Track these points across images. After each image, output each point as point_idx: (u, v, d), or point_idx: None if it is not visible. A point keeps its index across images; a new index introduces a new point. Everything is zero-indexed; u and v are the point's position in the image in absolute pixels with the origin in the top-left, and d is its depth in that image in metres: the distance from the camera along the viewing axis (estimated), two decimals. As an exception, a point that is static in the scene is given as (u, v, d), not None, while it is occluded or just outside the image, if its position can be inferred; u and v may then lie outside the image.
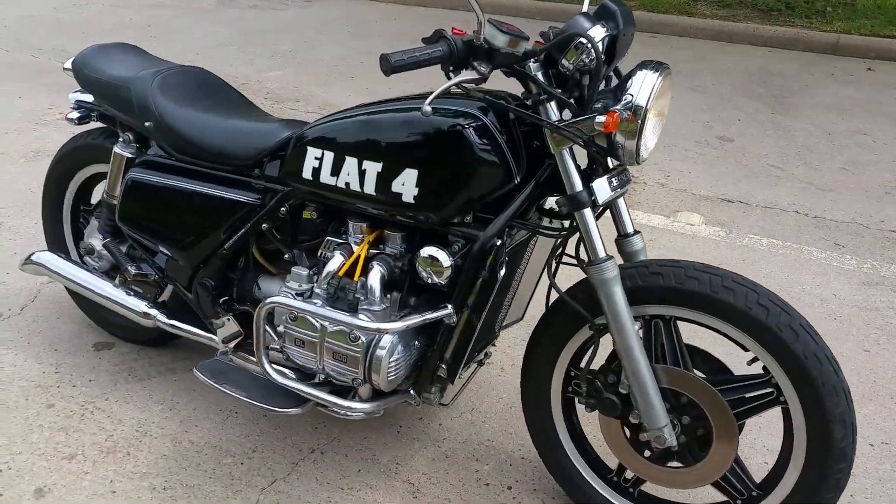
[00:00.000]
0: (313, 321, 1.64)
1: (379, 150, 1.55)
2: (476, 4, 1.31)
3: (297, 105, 4.68)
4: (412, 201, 1.52)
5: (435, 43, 1.35)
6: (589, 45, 1.37)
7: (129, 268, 2.04)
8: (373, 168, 1.54)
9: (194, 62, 2.24)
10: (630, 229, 1.62)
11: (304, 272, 1.72)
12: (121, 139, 2.06)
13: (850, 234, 3.32)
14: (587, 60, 1.39)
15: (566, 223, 1.61)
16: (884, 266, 3.06)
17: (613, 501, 1.69)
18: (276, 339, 1.74)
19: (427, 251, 1.54)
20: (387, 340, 1.58)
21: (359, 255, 1.64)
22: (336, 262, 1.65)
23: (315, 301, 1.67)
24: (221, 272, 1.90)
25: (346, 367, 1.63)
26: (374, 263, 1.63)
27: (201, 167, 1.87)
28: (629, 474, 1.68)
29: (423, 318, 1.55)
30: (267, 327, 1.72)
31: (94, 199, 2.36)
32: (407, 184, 1.51)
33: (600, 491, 1.70)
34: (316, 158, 1.62)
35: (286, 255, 1.82)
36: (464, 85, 1.42)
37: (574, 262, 1.56)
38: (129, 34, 6.11)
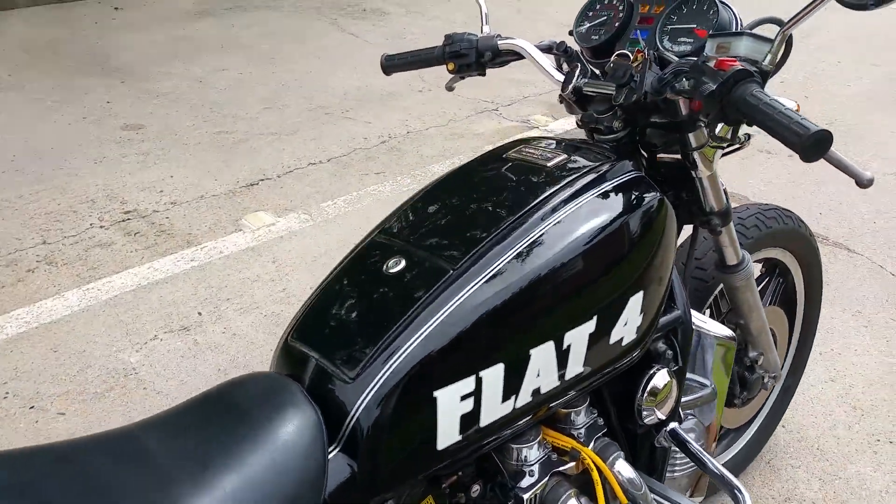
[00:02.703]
0: None
1: (584, 301, 1.05)
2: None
3: None
4: (634, 336, 1.12)
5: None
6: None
7: None
8: (581, 335, 1.04)
9: None
10: None
11: None
12: None
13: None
14: None
15: None
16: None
17: None
18: None
19: (649, 388, 1.22)
20: None
21: (602, 477, 1.17)
22: None
23: None
24: None
25: None
26: (616, 466, 1.20)
27: None
28: None
29: None
30: None
31: None
32: (630, 319, 1.10)
33: None
34: (465, 396, 0.96)
35: None
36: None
37: None
38: None
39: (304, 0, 6.83)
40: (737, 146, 1.29)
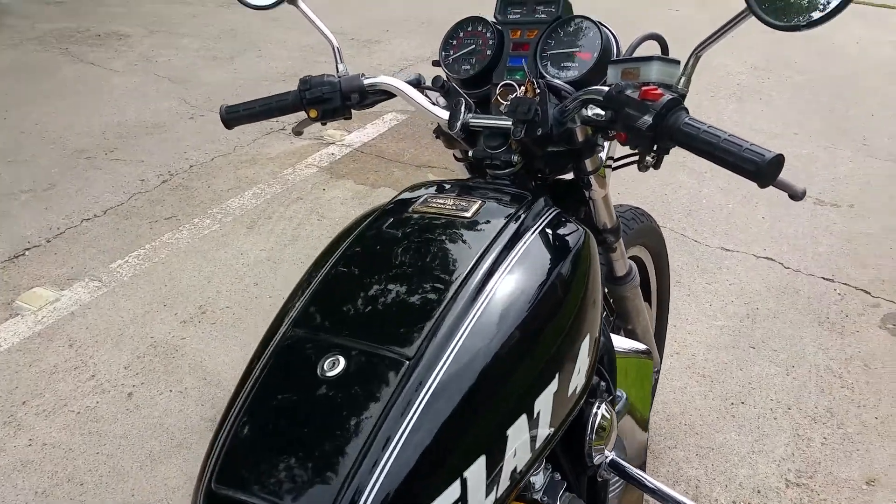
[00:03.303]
0: None
1: (546, 362, 0.96)
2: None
3: None
4: (584, 381, 1.04)
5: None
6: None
7: None
8: (547, 398, 0.95)
9: None
10: None
11: None
12: None
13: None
14: None
15: None
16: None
17: None
18: None
19: (596, 427, 1.17)
20: None
21: None
22: None
23: None
24: None
25: None
26: None
27: None
28: None
29: None
30: None
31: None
32: (582, 366, 1.02)
33: None
34: None
35: None
36: None
37: None
38: None
39: (20, 32, 6.03)
40: (633, 162, 1.29)
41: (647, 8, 6.54)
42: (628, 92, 0.99)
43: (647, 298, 2.00)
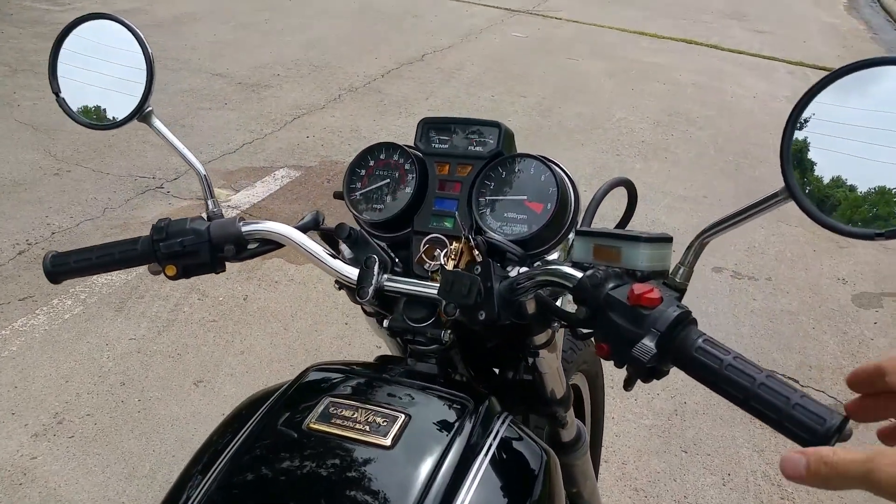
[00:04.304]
0: None
1: None
2: None
3: None
4: None
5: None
6: None
7: None
8: None
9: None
10: None
11: None
12: None
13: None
14: None
15: None
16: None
17: None
18: None
19: None
20: None
21: None
22: None
23: None
24: None
25: None
26: None
27: None
28: None
29: None
30: None
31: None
32: None
33: None
34: None
35: None
36: None
37: None
38: None
39: None
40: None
41: (548, 55, 6.49)
42: (610, 288, 0.74)
43: (581, 417, 1.78)
